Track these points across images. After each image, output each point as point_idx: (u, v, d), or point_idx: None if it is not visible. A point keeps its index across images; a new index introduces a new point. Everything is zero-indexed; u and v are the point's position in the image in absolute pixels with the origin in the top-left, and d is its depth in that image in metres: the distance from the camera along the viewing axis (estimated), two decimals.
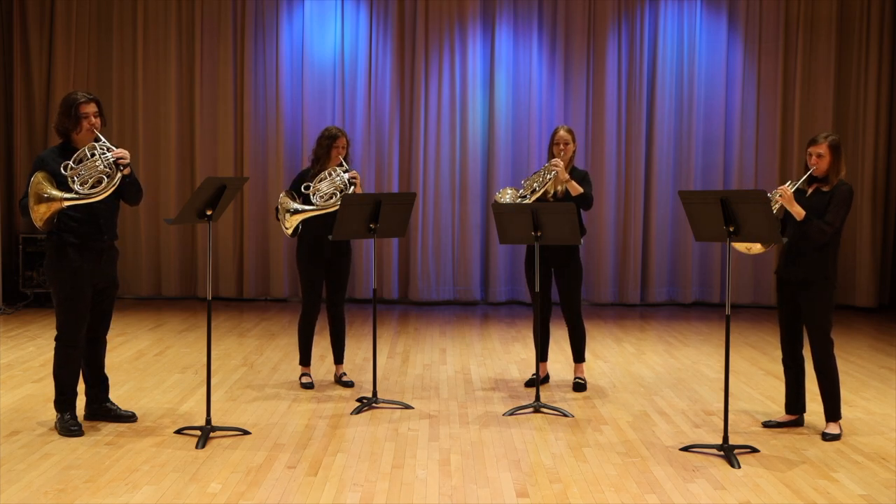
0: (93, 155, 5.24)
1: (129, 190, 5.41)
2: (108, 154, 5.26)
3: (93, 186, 5.21)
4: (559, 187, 6.41)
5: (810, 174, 5.45)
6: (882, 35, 10.33)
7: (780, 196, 5.38)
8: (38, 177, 5.13)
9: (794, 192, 5.41)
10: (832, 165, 5.42)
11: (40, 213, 5.12)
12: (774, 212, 5.28)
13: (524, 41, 10.53)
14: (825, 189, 5.44)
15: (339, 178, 6.29)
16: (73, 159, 5.21)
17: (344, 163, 6.39)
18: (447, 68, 10.51)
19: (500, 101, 10.48)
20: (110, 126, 10.01)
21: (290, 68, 10.52)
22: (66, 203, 5.15)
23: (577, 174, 6.45)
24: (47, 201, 5.12)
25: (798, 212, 5.36)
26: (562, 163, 6.31)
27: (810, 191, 5.50)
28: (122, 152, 5.29)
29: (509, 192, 6.53)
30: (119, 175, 5.24)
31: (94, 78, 10.43)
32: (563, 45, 10.55)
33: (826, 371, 5.48)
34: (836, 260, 5.45)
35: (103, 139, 5.32)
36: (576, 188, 6.33)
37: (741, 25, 10.52)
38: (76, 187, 5.17)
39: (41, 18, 10.40)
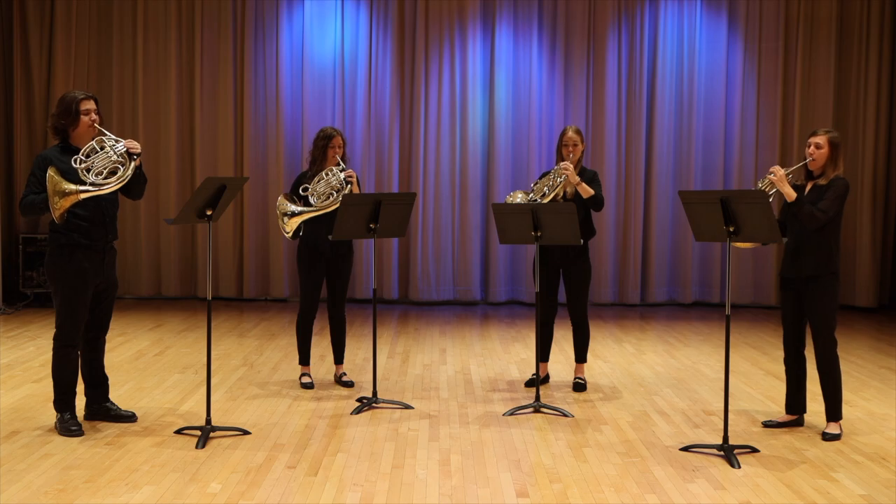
0: (102, 148, 5.23)
1: (136, 182, 5.38)
2: (119, 145, 5.26)
3: (107, 177, 5.20)
4: (569, 189, 6.41)
5: (806, 165, 5.47)
6: (882, 35, 10.33)
7: (773, 175, 5.38)
8: (52, 171, 5.08)
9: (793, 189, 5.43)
10: (829, 160, 5.43)
11: (60, 207, 5.07)
12: (767, 189, 5.32)
13: (524, 41, 10.53)
14: (822, 183, 5.45)
15: (335, 177, 6.27)
16: (82, 153, 5.20)
17: (341, 162, 6.37)
18: (447, 68, 10.51)
19: (500, 102, 10.48)
20: (110, 126, 9.99)
21: (290, 68, 10.52)
22: (83, 195, 5.11)
23: (586, 175, 6.45)
24: (65, 195, 5.07)
25: (789, 193, 5.35)
26: (571, 166, 6.30)
27: (809, 187, 5.51)
28: (133, 142, 5.30)
29: (520, 195, 6.51)
30: (132, 164, 5.24)
31: (95, 78, 10.43)
32: (563, 46, 10.55)
33: (829, 370, 5.48)
34: (839, 255, 5.46)
35: (109, 133, 5.31)
36: (586, 190, 6.33)
37: (741, 25, 10.52)
38: (91, 178, 5.15)
39: (41, 18, 10.40)
